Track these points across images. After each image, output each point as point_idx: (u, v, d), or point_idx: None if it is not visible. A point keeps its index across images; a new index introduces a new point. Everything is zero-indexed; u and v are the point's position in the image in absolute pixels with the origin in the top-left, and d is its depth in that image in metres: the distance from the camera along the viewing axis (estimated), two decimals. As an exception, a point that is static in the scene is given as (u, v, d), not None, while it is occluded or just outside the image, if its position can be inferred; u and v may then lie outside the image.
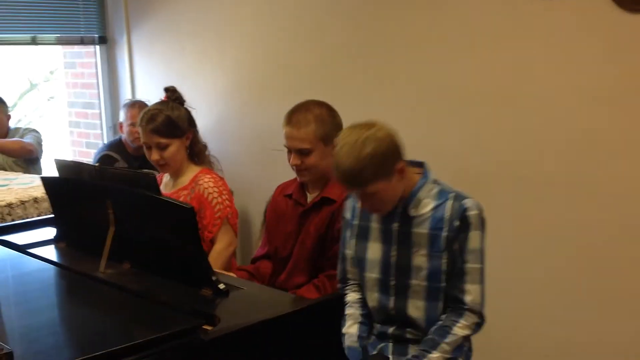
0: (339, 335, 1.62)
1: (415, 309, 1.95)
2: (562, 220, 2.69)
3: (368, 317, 2.03)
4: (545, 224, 2.74)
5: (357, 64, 3.20)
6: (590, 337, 2.68)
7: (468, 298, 1.90)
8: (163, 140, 2.60)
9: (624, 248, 2.57)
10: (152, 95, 3.95)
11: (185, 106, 2.74)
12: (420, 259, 1.92)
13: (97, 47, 4.26)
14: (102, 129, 4.40)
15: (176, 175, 2.71)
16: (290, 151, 2.34)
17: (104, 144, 3.98)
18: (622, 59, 2.47)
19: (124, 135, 3.71)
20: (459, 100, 2.89)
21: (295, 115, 2.32)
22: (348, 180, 1.85)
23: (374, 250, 2.01)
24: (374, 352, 1.95)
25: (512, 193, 2.81)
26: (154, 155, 2.62)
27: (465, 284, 1.90)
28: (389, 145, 1.86)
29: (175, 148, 2.63)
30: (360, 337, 1.99)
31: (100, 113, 4.38)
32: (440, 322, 1.92)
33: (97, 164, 3.46)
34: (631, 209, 2.54)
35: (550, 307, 2.78)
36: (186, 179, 2.68)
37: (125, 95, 4.24)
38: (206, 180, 2.64)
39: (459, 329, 1.88)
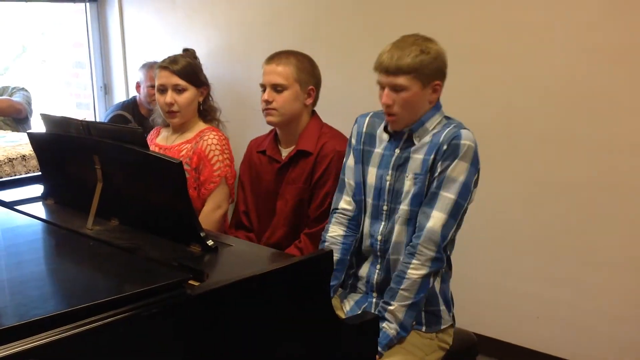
0: (327, 292, 1.62)
1: (399, 234, 1.91)
2: (552, 177, 2.69)
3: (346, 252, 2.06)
4: (535, 181, 2.74)
5: (351, 22, 3.16)
6: (580, 296, 2.69)
7: (429, 224, 1.81)
8: (182, 83, 2.56)
9: (612, 206, 2.57)
10: (142, 54, 3.90)
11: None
12: (408, 183, 1.89)
13: (87, 4, 4.18)
14: (92, 89, 4.34)
15: (181, 129, 2.66)
16: (264, 89, 2.32)
17: (117, 103, 3.89)
18: (622, 15, 2.43)
19: (140, 96, 3.63)
20: (455, 55, 2.86)
21: (277, 55, 2.35)
22: (388, 60, 1.85)
23: (371, 175, 1.99)
24: (359, 312, 1.94)
25: (505, 149, 2.80)
26: (168, 98, 2.56)
27: (431, 208, 1.82)
28: (438, 58, 1.87)
29: (190, 95, 2.59)
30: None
31: (91, 72, 4.32)
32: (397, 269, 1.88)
33: (84, 119, 3.42)
34: (620, 167, 2.53)
35: (538, 265, 2.79)
36: (191, 134, 2.64)
37: (116, 55, 4.18)
38: (211, 136, 2.59)
39: (413, 271, 1.81)
